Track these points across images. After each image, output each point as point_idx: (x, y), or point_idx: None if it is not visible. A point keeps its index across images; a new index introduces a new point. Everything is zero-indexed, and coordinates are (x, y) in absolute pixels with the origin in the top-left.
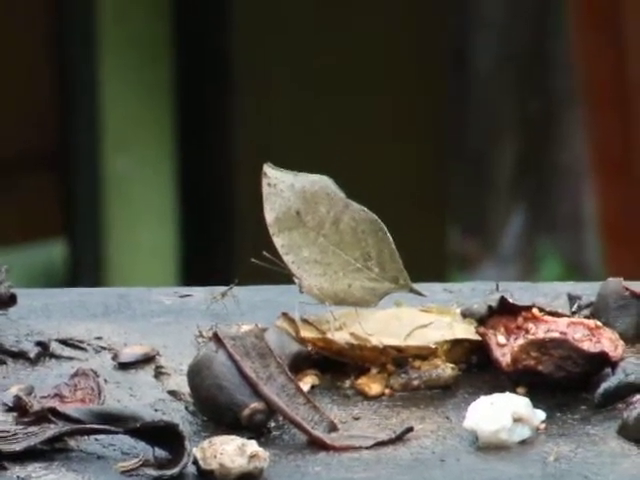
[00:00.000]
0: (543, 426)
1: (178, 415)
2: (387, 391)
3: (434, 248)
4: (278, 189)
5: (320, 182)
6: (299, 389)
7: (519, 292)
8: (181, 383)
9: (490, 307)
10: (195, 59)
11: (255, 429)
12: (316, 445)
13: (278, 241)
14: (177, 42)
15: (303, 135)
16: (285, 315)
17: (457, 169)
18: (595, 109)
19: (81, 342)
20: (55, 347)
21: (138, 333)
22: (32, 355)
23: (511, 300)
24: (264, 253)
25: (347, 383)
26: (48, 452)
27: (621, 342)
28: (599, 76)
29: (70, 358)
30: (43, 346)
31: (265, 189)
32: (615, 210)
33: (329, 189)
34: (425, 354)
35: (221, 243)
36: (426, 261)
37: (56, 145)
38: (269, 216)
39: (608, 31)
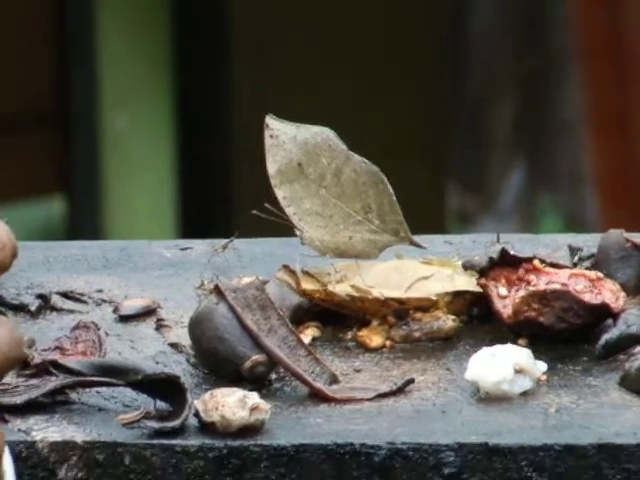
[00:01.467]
0: (544, 377)
1: (179, 367)
2: (388, 343)
3: (434, 203)
4: (280, 140)
5: (322, 134)
6: (300, 341)
7: (520, 244)
8: (182, 336)
9: (491, 259)
10: (194, 19)
11: (256, 381)
12: (317, 397)
13: (280, 193)
14: (176, 1)
15: (302, 89)
16: (286, 267)
17: (456, 126)
18: (591, 67)
19: (82, 295)
20: (56, 300)
21: (139, 286)
22: (33, 308)
23: (512, 252)
24: (266, 205)
25: (348, 335)
26: (49, 405)
27: (622, 293)
28: (595, 34)
29: (71, 311)
30: (44, 299)
31: (267, 141)
32: (611, 166)
33: (331, 141)
34: (426, 306)
35: (220, 198)
36: (426, 216)
37: (55, 103)
38: (271, 168)
39: None
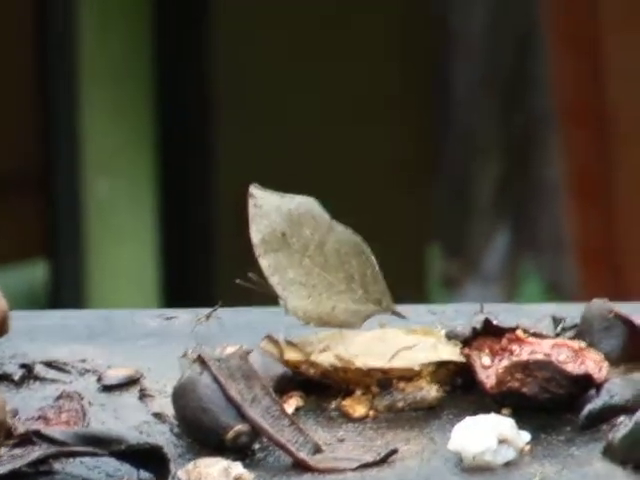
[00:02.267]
0: (528, 447)
1: (163, 437)
2: (372, 413)
3: (417, 268)
4: (264, 210)
5: (306, 204)
6: (284, 411)
7: (503, 314)
8: (166, 405)
9: (474, 329)
10: (177, 85)
11: (240, 451)
12: (301, 467)
13: (264, 262)
14: (158, 66)
15: (285, 155)
16: (269, 337)
17: (439, 189)
18: (574, 130)
19: (65, 364)
20: (39, 369)
21: (122, 355)
22: (16, 377)
23: (495, 322)
24: (249, 274)
25: (332, 405)
26: (33, 474)
27: (605, 363)
28: (578, 97)
29: (54, 380)
30: (27, 368)
31: (251, 210)
32: (591, 232)
33: (314, 211)
34: (410, 376)
35: (201, 266)
36: (409, 282)
37: (38, 168)
38: (255, 237)
39: (586, 52)
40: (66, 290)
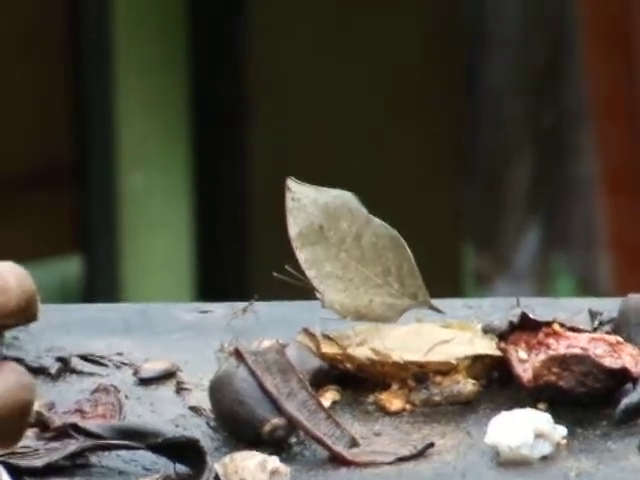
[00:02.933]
0: (564, 442)
1: (199, 431)
2: (408, 407)
3: (451, 264)
4: (302, 203)
5: (342, 197)
6: (320, 405)
7: (540, 308)
8: (202, 399)
9: (511, 323)
10: (212, 79)
11: (276, 445)
12: (337, 461)
13: (301, 255)
14: (192, 60)
15: (320, 150)
16: (306, 330)
17: (472, 185)
18: (606, 125)
19: (102, 358)
20: (76, 363)
21: (159, 348)
22: (53, 371)
23: (532, 316)
24: (286, 267)
25: (368, 399)
26: (69, 468)
27: None
28: (611, 93)
29: (91, 374)
30: (64, 362)
31: (289, 203)
32: (625, 227)
33: (351, 204)
34: (446, 370)
35: (237, 258)
36: (443, 277)
37: (72, 162)
38: (292, 230)
39: (620, 48)
40: (101, 284)
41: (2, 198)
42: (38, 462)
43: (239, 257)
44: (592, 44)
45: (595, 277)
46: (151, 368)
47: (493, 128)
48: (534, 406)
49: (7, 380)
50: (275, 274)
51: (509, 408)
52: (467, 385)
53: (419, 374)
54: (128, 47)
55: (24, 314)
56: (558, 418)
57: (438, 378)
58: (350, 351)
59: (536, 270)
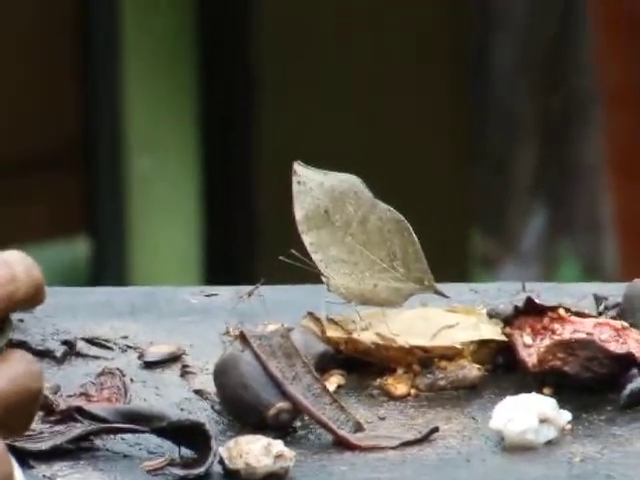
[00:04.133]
0: (569, 427)
1: (204, 414)
2: (413, 391)
3: (457, 248)
4: (308, 187)
5: (348, 181)
6: (325, 389)
7: (545, 292)
8: (207, 382)
9: (516, 307)
10: (221, 62)
11: (281, 429)
12: (342, 445)
13: (307, 239)
14: (200, 42)
15: (327, 135)
16: (311, 315)
17: (479, 169)
18: (613, 109)
19: (107, 341)
20: (81, 346)
21: (164, 332)
22: (58, 354)
23: (537, 300)
24: (292, 251)
25: (373, 383)
26: (74, 451)
27: None
28: (618, 76)
29: (96, 357)
30: (69, 345)
31: (295, 187)
32: (632, 212)
33: (357, 188)
34: (451, 354)
35: (245, 242)
36: (449, 261)
37: (80, 144)
38: (298, 214)
39: (629, 33)
40: (108, 266)
41: (12, 180)
42: (43, 445)
43: (247, 241)
44: (601, 28)
45: (601, 261)
46: (156, 351)
47: (501, 112)
48: (539, 391)
49: (16, 369)
50: (281, 258)
51: (514, 393)
52: (472, 370)
53: (424, 359)
54: (137, 30)
55: (32, 302)
56: (563, 403)
57: (443, 363)
58: (355, 335)
59: (542, 254)
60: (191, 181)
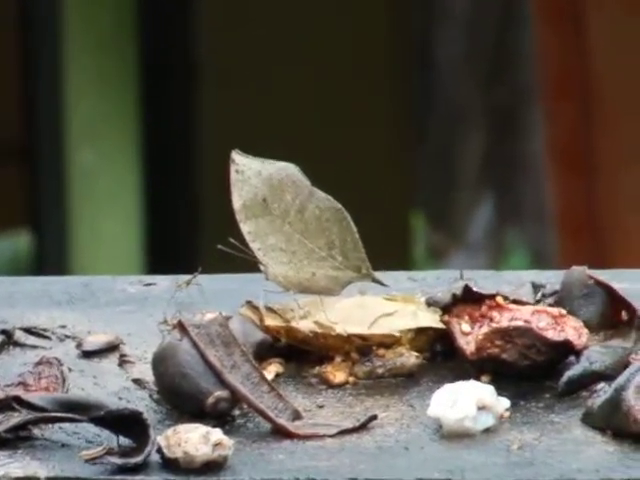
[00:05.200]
0: (507, 414)
1: (142, 403)
2: (351, 379)
3: (401, 238)
4: (246, 176)
5: (286, 170)
6: (263, 377)
7: (483, 280)
8: (145, 371)
9: (454, 295)
10: (161, 54)
11: (219, 417)
12: (280, 433)
13: (245, 228)
14: (141, 35)
15: (268, 124)
16: (249, 303)
17: (424, 159)
18: (557, 103)
19: (45, 330)
20: (19, 335)
21: (102, 321)
22: None
23: (475, 288)
24: (230, 240)
25: (311, 371)
26: (12, 440)
27: (585, 330)
28: (562, 70)
29: (34, 346)
30: (7, 334)
31: (233, 176)
32: (573, 203)
33: (295, 177)
34: (389, 342)
35: (187, 234)
36: (394, 252)
37: (22, 137)
38: (236, 203)
39: (571, 23)
40: (50, 259)
41: None
42: None
43: (189, 231)
44: (544, 19)
45: (547, 252)
46: (94, 341)
47: (445, 102)
48: (477, 379)
49: None
50: (219, 246)
51: (452, 381)
52: (410, 358)
53: (362, 347)
54: (79, 24)
55: None
56: (501, 391)
57: (381, 351)
58: (294, 324)
59: (490, 244)
60: (132, 173)
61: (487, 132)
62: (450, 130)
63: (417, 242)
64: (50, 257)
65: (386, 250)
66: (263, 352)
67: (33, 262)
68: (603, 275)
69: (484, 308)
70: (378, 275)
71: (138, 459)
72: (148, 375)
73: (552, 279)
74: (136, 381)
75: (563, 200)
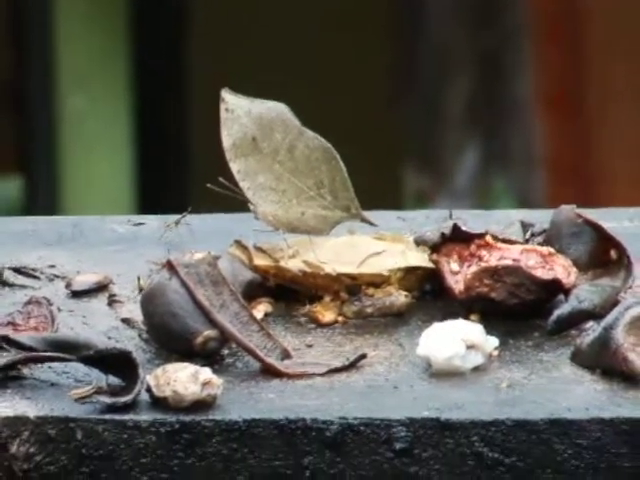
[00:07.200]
0: (496, 353)
1: (131, 343)
2: (340, 319)
3: (389, 183)
4: (235, 115)
5: (276, 109)
6: (252, 317)
7: (472, 220)
8: (134, 311)
9: (443, 234)
10: None
11: (208, 356)
12: (269, 372)
13: (234, 167)
14: None
15: (258, 68)
16: (238, 243)
17: (411, 104)
18: (546, 45)
19: (34, 270)
20: (8, 275)
21: (91, 261)
22: None
23: (464, 228)
24: (220, 179)
25: (300, 311)
26: (1, 380)
27: (574, 269)
28: (550, 11)
29: (23, 286)
30: None
31: (223, 114)
32: (561, 146)
33: (285, 116)
34: (378, 282)
35: (177, 176)
36: (383, 197)
37: (12, 84)
38: (226, 142)
39: None
40: (41, 205)
41: None
42: None
43: (179, 175)
44: None
45: (534, 196)
46: (84, 280)
47: (432, 47)
48: (466, 318)
49: None
50: (209, 185)
51: (441, 320)
52: (399, 297)
53: (351, 286)
54: None
55: None
56: (490, 329)
57: (370, 290)
58: (283, 263)
59: (476, 189)
60: (123, 119)
61: (475, 76)
62: (438, 74)
63: (405, 187)
64: (41, 201)
65: (376, 197)
66: (252, 291)
67: (24, 206)
68: (592, 214)
69: (473, 247)
70: (367, 215)
71: (127, 398)
72: (137, 314)
73: (541, 218)
74: (125, 320)
75: (551, 144)
